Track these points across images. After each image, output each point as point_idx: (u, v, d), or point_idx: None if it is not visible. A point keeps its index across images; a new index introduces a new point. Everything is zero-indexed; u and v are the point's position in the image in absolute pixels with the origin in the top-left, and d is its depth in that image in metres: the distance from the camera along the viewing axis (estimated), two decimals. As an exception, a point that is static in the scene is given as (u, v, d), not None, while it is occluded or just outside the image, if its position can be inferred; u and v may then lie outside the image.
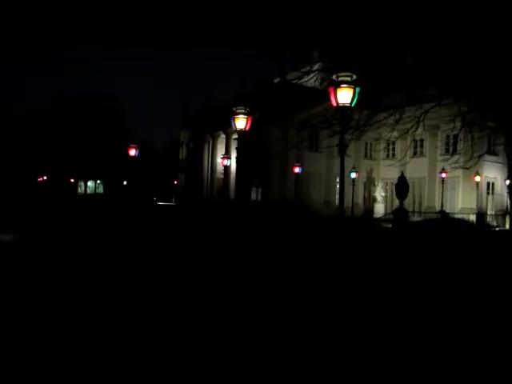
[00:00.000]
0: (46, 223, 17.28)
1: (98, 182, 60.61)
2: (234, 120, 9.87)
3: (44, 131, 46.96)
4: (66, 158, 47.10)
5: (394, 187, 39.09)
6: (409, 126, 15.28)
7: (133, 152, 16.98)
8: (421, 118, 14.64)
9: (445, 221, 18.67)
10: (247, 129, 9.94)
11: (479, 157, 30.36)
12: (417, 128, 14.33)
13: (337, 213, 33.06)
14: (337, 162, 38.26)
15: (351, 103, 7.10)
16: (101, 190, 65.10)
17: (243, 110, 9.77)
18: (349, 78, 7.01)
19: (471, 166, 27.65)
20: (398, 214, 24.55)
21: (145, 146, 63.74)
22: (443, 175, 30.01)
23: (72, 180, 54.12)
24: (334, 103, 7.18)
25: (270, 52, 9.85)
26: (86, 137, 48.51)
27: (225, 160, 24.68)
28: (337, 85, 6.98)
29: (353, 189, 32.24)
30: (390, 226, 25.02)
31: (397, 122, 12.22)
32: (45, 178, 52.10)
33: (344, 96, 7.02)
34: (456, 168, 30.27)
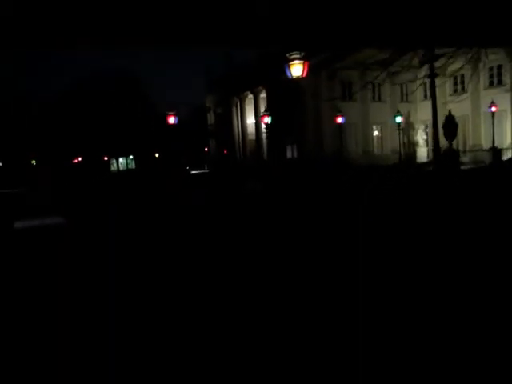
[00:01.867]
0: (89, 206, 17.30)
1: (131, 157, 60.99)
2: (289, 67, 9.11)
3: (71, 112, 47.14)
4: (98, 137, 47.34)
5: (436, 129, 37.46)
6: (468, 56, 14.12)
7: (172, 120, 16.39)
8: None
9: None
10: (304, 75, 9.19)
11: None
12: (478, 57, 13.20)
13: (376, 162, 32.18)
14: (372, 110, 37.02)
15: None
16: (132, 165, 65.71)
17: (298, 55, 8.99)
18: None
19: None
20: (448, 156, 23.35)
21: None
22: (493, 109, 28.19)
23: (106, 158, 54.68)
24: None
25: None
26: (111, 113, 48.43)
27: (265, 117, 23.75)
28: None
29: (399, 134, 30.93)
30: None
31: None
32: (79, 159, 52.84)
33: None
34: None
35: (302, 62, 9.04)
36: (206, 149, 57.77)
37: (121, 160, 66.38)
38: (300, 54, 8.98)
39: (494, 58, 30.29)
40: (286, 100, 34.48)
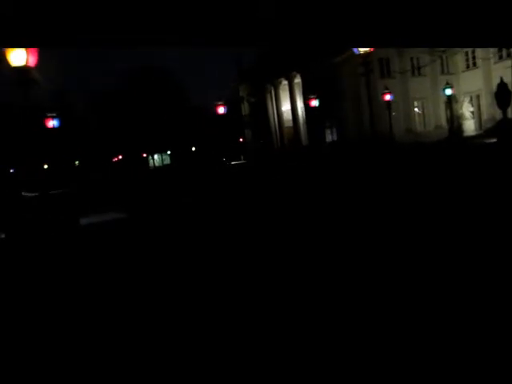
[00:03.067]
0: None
1: (168, 152, 61.73)
2: (357, 44, 8.91)
3: (112, 108, 47.88)
4: (136, 134, 48.13)
5: (479, 101, 35.91)
6: None
7: (221, 110, 16.38)
8: None
9: None
10: (372, 49, 8.96)
11: None
12: None
13: (420, 139, 31.20)
14: (411, 86, 35.88)
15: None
16: (168, 161, 66.46)
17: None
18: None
19: None
20: (503, 126, 22.33)
21: (201, 108, 63.69)
22: (548, 73, 26.61)
23: (144, 155, 55.65)
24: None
25: None
26: (149, 109, 48.94)
27: (312, 101, 23.38)
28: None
29: (450, 107, 29.74)
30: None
31: None
32: (120, 157, 54.01)
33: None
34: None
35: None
36: (240, 139, 57.78)
37: (156, 157, 67.25)
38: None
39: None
40: (322, 83, 33.88)
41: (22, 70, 6.03)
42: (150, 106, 47.67)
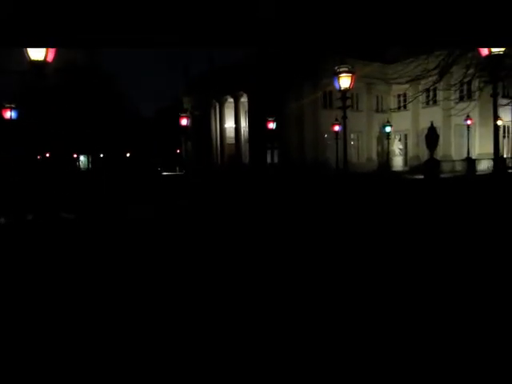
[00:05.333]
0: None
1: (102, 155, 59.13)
2: (338, 79, 9.74)
3: (38, 105, 44.94)
4: (66, 132, 45.53)
5: (407, 140, 39.54)
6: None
7: (184, 121, 16.46)
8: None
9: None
10: (351, 87, 9.85)
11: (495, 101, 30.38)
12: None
13: (354, 170, 33.43)
14: (351, 119, 38.36)
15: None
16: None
17: (347, 68, 9.64)
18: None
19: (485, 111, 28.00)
20: (430, 165, 24.85)
21: (138, 115, 62.09)
22: (468, 122, 30.24)
23: (75, 155, 52.86)
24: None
25: None
26: (78, 108, 46.71)
27: (270, 123, 23.82)
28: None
29: (382, 143, 32.29)
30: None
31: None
32: (47, 155, 50.70)
33: None
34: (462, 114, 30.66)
35: (350, 74, 9.71)
36: (178, 151, 57.18)
37: (82, 158, 63.61)
38: (348, 67, 9.66)
39: (463, 72, 32.48)
40: (267, 106, 35.14)
41: (40, 64, 5.91)
42: (83, 104, 45.54)
